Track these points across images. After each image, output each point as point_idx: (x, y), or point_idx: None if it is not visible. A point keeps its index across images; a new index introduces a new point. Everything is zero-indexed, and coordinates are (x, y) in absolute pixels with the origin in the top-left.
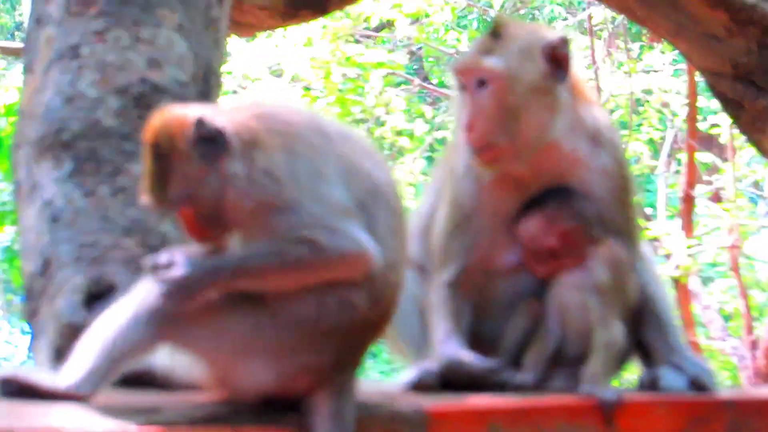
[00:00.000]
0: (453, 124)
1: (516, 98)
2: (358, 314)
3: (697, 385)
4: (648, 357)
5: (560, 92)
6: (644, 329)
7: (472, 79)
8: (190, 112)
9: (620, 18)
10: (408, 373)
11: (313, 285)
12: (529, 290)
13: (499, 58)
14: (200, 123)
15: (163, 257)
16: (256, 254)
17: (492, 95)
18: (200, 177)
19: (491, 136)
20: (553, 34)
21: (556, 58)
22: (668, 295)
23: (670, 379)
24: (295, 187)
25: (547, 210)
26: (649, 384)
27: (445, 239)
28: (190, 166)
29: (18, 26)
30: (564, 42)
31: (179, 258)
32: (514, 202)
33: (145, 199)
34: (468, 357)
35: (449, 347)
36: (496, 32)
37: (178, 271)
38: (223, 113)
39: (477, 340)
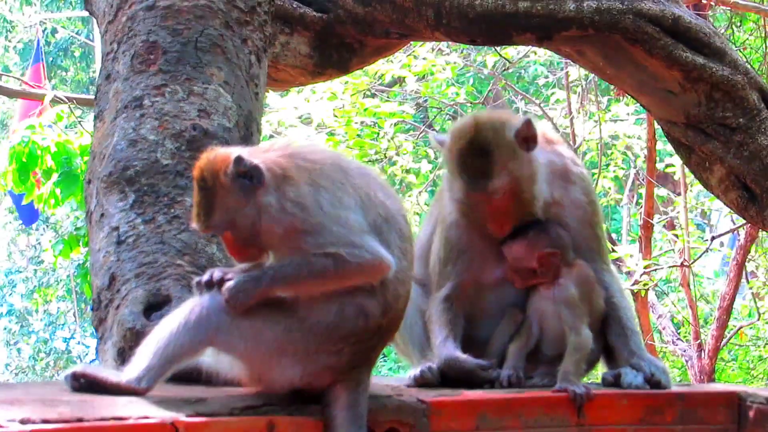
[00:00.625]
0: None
1: (521, 189)
2: (372, 321)
3: (653, 382)
4: (612, 358)
5: (535, 155)
6: (609, 334)
7: (482, 201)
8: (230, 152)
9: (592, 76)
10: (412, 371)
11: (338, 291)
12: (513, 300)
13: (499, 179)
14: (238, 161)
15: (207, 276)
16: (290, 266)
17: (506, 199)
18: (239, 207)
19: (513, 221)
20: (516, 119)
21: (526, 139)
22: (631, 306)
23: (631, 377)
24: (320, 213)
25: (529, 237)
26: (613, 381)
27: (439, 266)
28: (231, 198)
29: (91, 81)
30: (528, 125)
31: (227, 274)
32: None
33: (193, 224)
34: (463, 356)
35: (447, 349)
36: (483, 151)
37: (232, 283)
38: (258, 153)
39: (470, 344)
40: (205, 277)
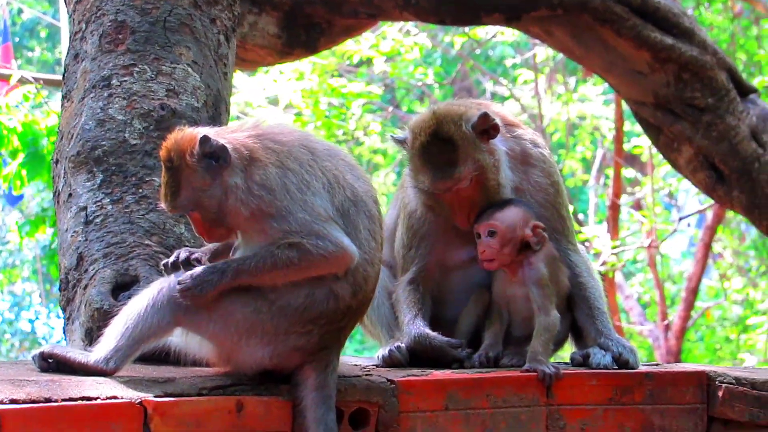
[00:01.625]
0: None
1: (486, 178)
2: (341, 303)
3: (621, 361)
4: (580, 338)
5: (496, 144)
6: (578, 314)
7: (449, 197)
8: (197, 132)
9: (560, 56)
10: (381, 351)
11: (303, 280)
12: (479, 281)
13: (461, 170)
14: (204, 141)
15: (173, 257)
16: (253, 258)
17: (471, 188)
18: (205, 187)
19: (475, 209)
20: (472, 111)
21: (485, 131)
22: (599, 286)
23: (599, 357)
24: (286, 196)
25: (519, 205)
26: (582, 361)
27: (403, 251)
28: (197, 178)
29: (57, 61)
30: (484, 118)
31: (193, 254)
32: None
33: (161, 204)
34: (432, 334)
35: (416, 327)
36: (446, 140)
37: (190, 276)
38: (225, 133)
39: (438, 325)
40: (171, 258)
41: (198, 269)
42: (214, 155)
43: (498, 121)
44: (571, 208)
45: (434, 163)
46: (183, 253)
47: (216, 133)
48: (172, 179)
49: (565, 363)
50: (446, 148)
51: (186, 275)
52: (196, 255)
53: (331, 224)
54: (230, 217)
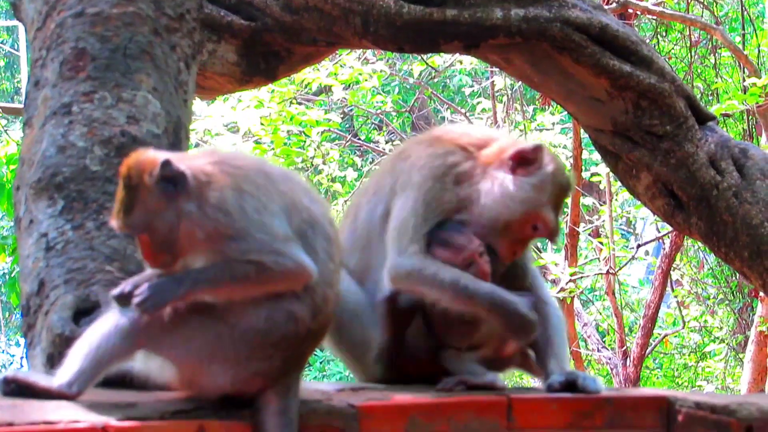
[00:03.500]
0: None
1: None
2: (301, 326)
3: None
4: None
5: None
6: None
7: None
8: (159, 155)
9: (518, 85)
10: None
11: (261, 297)
12: None
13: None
14: (165, 164)
15: (119, 290)
16: (212, 268)
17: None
18: (159, 210)
19: None
20: (528, 144)
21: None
22: (558, 311)
23: (590, 381)
24: (243, 219)
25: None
26: (561, 387)
27: (414, 221)
28: (152, 200)
29: (17, 90)
30: (537, 149)
31: (140, 284)
32: None
33: (112, 221)
34: None
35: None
36: None
37: (147, 287)
38: (186, 160)
39: None
40: (117, 291)
41: (154, 281)
42: (173, 180)
43: None
44: None
45: None
46: (128, 287)
47: (178, 159)
48: (128, 197)
49: (527, 387)
50: None
51: (142, 287)
52: (143, 279)
53: (290, 242)
54: (181, 242)
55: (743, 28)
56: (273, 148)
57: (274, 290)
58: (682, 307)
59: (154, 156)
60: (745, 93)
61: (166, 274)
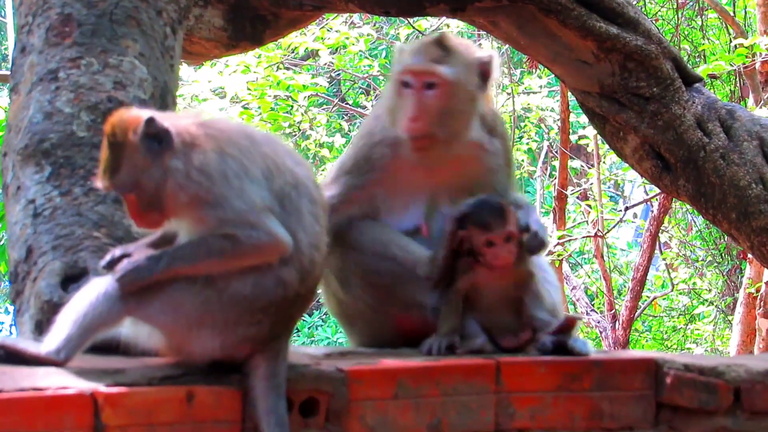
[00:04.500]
0: (379, 112)
1: (456, 101)
2: (289, 290)
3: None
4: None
5: (480, 98)
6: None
7: (422, 81)
8: (144, 113)
9: (505, 48)
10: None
11: (247, 268)
12: None
13: (449, 68)
14: (150, 121)
15: (109, 257)
16: (188, 246)
17: (438, 97)
18: (145, 167)
19: (432, 127)
20: (483, 52)
21: (484, 73)
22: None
23: (581, 344)
24: (224, 184)
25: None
26: (554, 347)
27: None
28: (137, 157)
29: (3, 57)
30: (491, 59)
31: (128, 250)
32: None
33: (98, 182)
34: None
35: None
36: (442, 44)
37: (126, 263)
38: (170, 118)
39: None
40: (107, 258)
41: (133, 257)
42: (157, 137)
43: None
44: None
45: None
46: (118, 252)
47: (162, 117)
48: (113, 156)
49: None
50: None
51: (122, 264)
52: (130, 250)
53: (266, 214)
54: (167, 201)
55: None
56: (260, 113)
57: (250, 263)
58: (670, 270)
59: (138, 114)
60: (731, 54)
61: (156, 242)
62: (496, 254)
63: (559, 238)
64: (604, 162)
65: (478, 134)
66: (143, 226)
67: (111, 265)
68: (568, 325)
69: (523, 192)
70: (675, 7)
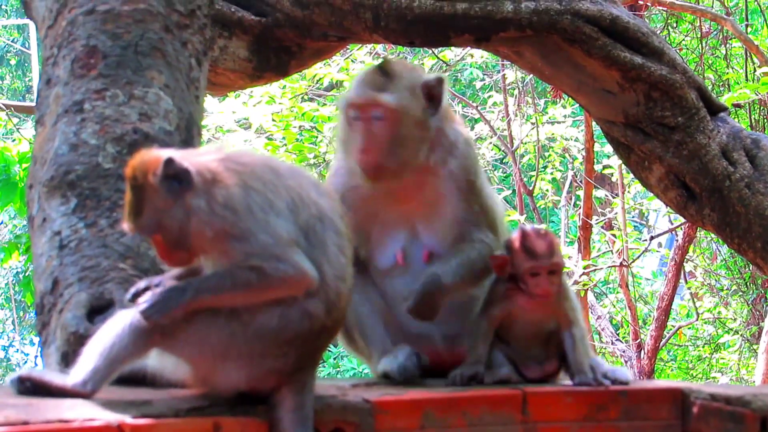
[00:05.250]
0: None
1: (404, 129)
2: (315, 322)
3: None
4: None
5: (432, 121)
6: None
7: (369, 112)
8: (162, 153)
9: (529, 78)
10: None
11: (272, 301)
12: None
13: (392, 96)
14: (168, 163)
15: (133, 290)
16: (213, 277)
17: (385, 126)
18: (166, 208)
19: (382, 159)
20: (429, 75)
21: (432, 96)
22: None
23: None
24: (249, 217)
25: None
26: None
27: None
28: (158, 199)
29: (28, 89)
30: (439, 81)
31: (153, 282)
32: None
33: (124, 224)
34: None
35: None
36: (384, 70)
37: (150, 297)
38: (190, 156)
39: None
40: (131, 291)
41: (157, 291)
42: (177, 177)
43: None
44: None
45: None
46: (142, 284)
47: (181, 156)
48: (135, 198)
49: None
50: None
51: (145, 297)
52: (156, 282)
53: (292, 247)
54: (193, 240)
55: (747, 19)
56: (285, 144)
57: (276, 296)
58: (695, 299)
59: (157, 155)
60: (754, 83)
61: (182, 275)
62: (539, 284)
63: (584, 268)
64: (628, 191)
65: (432, 158)
66: (173, 266)
67: (135, 298)
68: None
69: (547, 222)
70: (699, 36)
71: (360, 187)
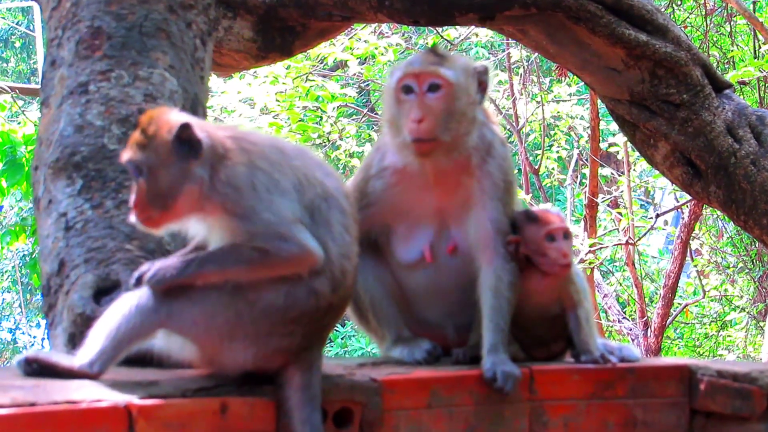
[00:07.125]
0: (379, 144)
1: (460, 104)
2: (322, 300)
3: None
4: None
5: (478, 110)
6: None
7: (426, 83)
8: (183, 117)
9: (534, 56)
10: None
11: (278, 278)
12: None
13: (450, 70)
14: (185, 127)
15: (137, 273)
16: (219, 251)
17: (442, 98)
18: (167, 162)
19: (437, 130)
20: (478, 63)
21: (481, 82)
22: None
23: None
24: (253, 196)
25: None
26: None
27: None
28: (164, 151)
29: (33, 71)
30: (487, 70)
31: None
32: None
33: (122, 156)
34: None
35: None
36: (437, 52)
37: (159, 264)
38: (210, 128)
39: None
40: (135, 275)
41: (164, 259)
42: (188, 143)
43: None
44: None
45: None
46: (145, 267)
47: (200, 126)
48: (141, 140)
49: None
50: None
51: (154, 265)
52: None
53: (296, 226)
54: (179, 203)
55: None
56: (289, 124)
57: (280, 274)
58: (702, 277)
59: (177, 116)
60: (759, 60)
61: (188, 253)
62: (559, 249)
63: (590, 246)
64: (634, 169)
65: (476, 145)
66: (140, 219)
67: (139, 282)
68: None
69: (553, 201)
70: (704, 13)
71: (400, 167)
